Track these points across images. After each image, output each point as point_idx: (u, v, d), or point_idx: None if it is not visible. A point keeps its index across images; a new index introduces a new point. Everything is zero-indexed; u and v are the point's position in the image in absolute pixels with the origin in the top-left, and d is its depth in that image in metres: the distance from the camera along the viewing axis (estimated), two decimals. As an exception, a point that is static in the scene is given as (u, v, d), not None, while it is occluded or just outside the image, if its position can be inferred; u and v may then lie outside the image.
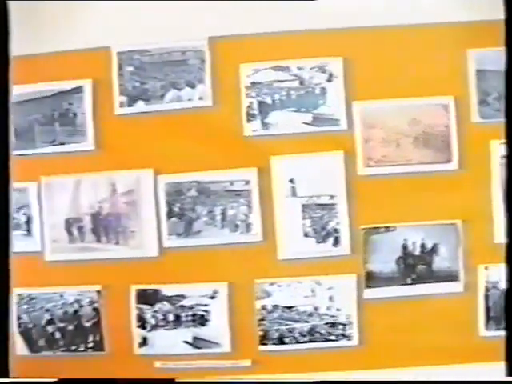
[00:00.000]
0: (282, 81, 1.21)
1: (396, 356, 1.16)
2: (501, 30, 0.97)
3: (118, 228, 1.24)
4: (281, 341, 1.21)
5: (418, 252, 1.15)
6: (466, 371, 1.11)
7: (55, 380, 0.57)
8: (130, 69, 1.24)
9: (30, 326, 1.28)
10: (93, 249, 1.25)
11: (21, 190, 1.28)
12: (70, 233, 1.26)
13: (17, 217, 1.29)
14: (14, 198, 1.28)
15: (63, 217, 1.26)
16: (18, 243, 1.27)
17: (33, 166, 1.28)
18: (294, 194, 1.21)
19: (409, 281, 1.16)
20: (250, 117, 1.22)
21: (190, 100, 1.24)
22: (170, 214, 1.23)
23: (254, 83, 1.22)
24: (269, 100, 1.22)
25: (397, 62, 1.17)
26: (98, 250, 1.25)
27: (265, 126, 1.22)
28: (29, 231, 1.29)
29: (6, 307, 0.52)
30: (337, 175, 1.18)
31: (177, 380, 0.66)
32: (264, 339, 1.22)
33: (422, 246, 1.15)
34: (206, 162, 1.22)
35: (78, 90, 1.25)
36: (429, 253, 1.15)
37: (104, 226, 1.24)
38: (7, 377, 0.49)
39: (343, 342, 1.19)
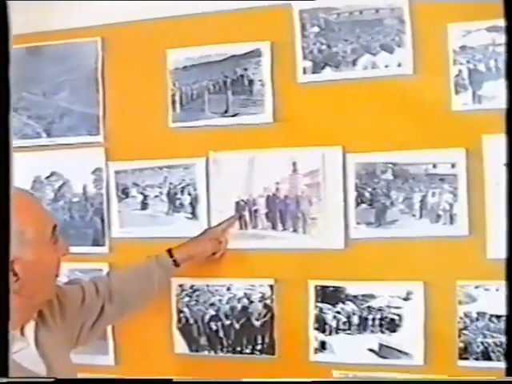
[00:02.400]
0: (498, 44, 1.36)
1: None
2: None
3: (297, 214, 1.47)
4: (485, 356, 1.37)
5: None
6: None
7: (54, 380, 0.74)
8: (315, 29, 1.45)
9: (192, 321, 1.54)
10: (266, 237, 1.48)
11: (186, 166, 1.53)
12: (240, 217, 1.49)
13: (180, 197, 1.55)
14: (178, 176, 1.53)
15: (234, 199, 1.49)
16: (181, 227, 1.53)
17: (201, 140, 1.52)
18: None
19: None
20: (460, 88, 1.39)
21: (386, 67, 1.43)
22: (359, 200, 1.43)
23: (464, 47, 1.38)
24: (482, 67, 1.38)
25: None
26: (272, 238, 1.48)
27: (477, 98, 1.38)
28: (193, 214, 1.53)
29: (5, 306, 0.67)
30: (562, 160, 1.34)
31: (175, 380, 0.80)
32: (465, 353, 1.39)
33: None
34: (405, 140, 1.40)
35: (255, 53, 1.48)
36: None
37: (281, 210, 1.47)
38: (6, 377, 0.65)
39: (561, 363, 1.34)
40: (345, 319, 1.44)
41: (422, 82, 1.39)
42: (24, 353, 0.96)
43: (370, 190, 1.43)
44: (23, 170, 1.61)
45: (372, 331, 1.43)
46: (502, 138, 1.31)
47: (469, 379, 0.81)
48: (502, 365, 1.28)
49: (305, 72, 1.45)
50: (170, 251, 1.35)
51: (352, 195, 1.43)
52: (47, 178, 1.65)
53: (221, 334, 1.52)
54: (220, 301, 1.50)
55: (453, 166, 1.38)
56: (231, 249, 1.49)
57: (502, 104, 1.30)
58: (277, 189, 1.47)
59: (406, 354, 1.42)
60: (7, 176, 0.66)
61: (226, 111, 1.49)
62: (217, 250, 1.42)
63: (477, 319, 1.38)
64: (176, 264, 1.36)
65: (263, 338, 1.49)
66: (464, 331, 1.38)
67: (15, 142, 1.55)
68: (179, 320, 1.54)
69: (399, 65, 1.40)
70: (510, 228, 0.70)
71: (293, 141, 1.46)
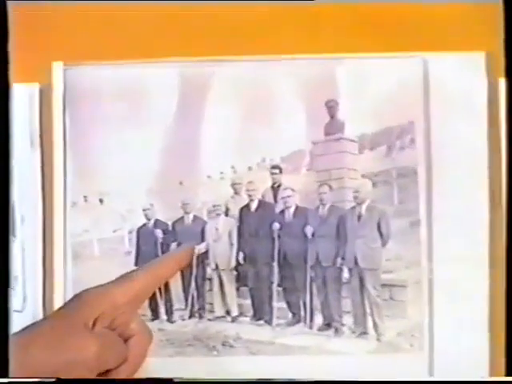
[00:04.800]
0: None
1: None
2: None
3: (339, 271, 0.79)
4: None
5: None
6: None
7: (54, 380, 0.71)
8: None
9: None
10: (243, 345, 0.80)
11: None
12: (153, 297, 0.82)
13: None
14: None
15: (122, 226, 0.82)
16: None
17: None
18: None
19: None
20: None
21: None
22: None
23: None
24: None
25: None
26: (259, 348, 0.79)
27: None
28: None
29: (5, 305, 0.69)
30: None
31: (175, 380, 0.75)
32: None
33: None
34: None
35: None
36: None
37: (285, 256, 0.79)
38: (6, 377, 0.68)
39: None
40: None
41: None
42: None
43: None
44: None
45: None
46: None
47: (468, 379, 0.73)
48: None
49: None
50: None
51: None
52: None
53: None
54: None
55: None
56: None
57: None
58: (275, 186, 0.79)
59: None
60: (7, 175, 0.72)
61: None
62: (119, 360, 0.76)
63: None
64: None
65: None
66: None
67: None
68: None
69: None
70: (509, 231, 0.70)
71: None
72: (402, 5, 0.75)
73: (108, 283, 0.75)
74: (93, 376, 0.75)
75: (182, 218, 0.77)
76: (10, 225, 0.73)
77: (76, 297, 0.74)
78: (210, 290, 0.77)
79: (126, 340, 0.76)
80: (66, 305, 0.75)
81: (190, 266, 0.77)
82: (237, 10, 0.75)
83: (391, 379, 0.74)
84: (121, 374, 0.78)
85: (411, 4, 0.76)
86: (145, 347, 0.77)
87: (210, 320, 0.77)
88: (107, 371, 0.75)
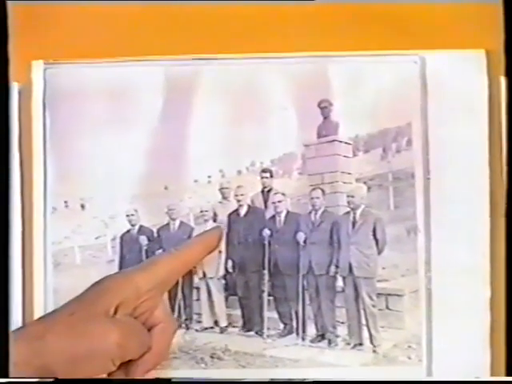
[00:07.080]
0: None
1: None
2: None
3: (326, 279, 0.74)
4: None
5: None
6: None
7: (52, 380, 0.69)
8: None
9: None
10: (228, 359, 0.75)
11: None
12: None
13: None
14: None
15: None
16: None
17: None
18: None
19: None
20: None
21: None
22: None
23: None
24: None
25: None
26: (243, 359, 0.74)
27: None
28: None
29: (5, 307, 0.67)
30: None
31: (174, 380, 0.76)
32: None
33: None
34: None
35: None
36: None
37: (276, 263, 0.75)
38: (7, 377, 0.65)
39: None
40: None
41: None
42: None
43: None
44: None
45: None
46: None
47: (468, 380, 0.72)
48: None
49: None
50: None
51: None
52: None
53: None
54: None
55: None
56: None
57: None
58: (265, 190, 0.75)
59: None
60: (7, 172, 0.71)
61: None
62: (143, 350, 0.72)
63: None
64: None
65: None
66: None
67: None
68: None
69: None
70: (509, 231, 0.66)
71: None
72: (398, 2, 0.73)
73: (131, 268, 0.71)
74: (115, 366, 0.71)
75: (168, 224, 0.73)
76: (8, 224, 0.67)
77: (96, 283, 0.71)
78: (198, 299, 0.73)
79: (149, 328, 0.72)
80: (85, 292, 0.70)
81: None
82: (225, 6, 0.72)
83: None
84: (144, 364, 0.73)
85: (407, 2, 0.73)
86: (169, 336, 0.73)
87: (197, 331, 0.73)
88: (129, 361, 0.71)
